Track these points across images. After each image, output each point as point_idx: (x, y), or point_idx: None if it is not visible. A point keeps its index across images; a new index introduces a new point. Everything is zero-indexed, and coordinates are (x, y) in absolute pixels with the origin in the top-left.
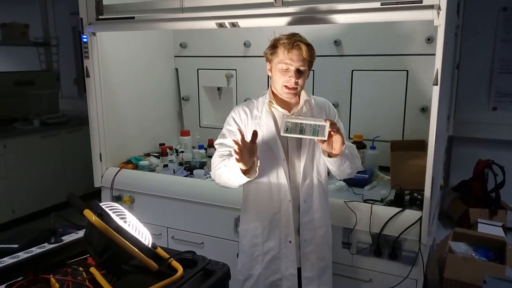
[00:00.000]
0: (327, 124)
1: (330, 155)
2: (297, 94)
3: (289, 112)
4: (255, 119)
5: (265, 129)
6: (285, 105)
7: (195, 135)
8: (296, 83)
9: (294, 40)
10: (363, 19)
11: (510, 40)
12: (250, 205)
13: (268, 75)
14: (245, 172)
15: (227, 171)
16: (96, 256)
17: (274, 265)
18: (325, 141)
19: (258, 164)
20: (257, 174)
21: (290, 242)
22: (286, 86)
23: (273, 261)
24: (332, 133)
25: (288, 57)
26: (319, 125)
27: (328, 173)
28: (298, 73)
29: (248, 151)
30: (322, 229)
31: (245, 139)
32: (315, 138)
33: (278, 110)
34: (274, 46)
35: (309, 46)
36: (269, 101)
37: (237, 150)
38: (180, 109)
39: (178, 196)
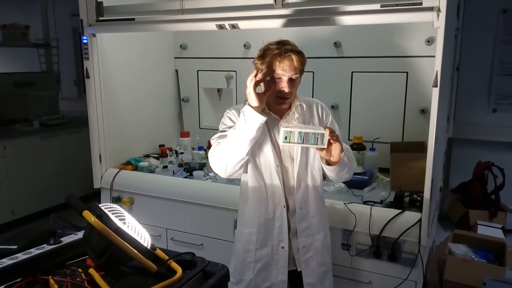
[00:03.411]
0: (327, 132)
1: (328, 163)
2: (290, 103)
3: (281, 118)
4: None
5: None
6: (277, 111)
7: (195, 136)
8: (289, 93)
9: (284, 50)
10: (363, 21)
11: (510, 42)
12: (245, 210)
13: None
14: (258, 110)
15: (233, 134)
16: (95, 258)
17: (265, 272)
18: (324, 149)
19: (264, 119)
20: (264, 120)
21: (282, 248)
22: (279, 97)
23: (265, 269)
24: (331, 141)
25: (280, 68)
26: (318, 133)
27: (325, 177)
28: (290, 82)
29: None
30: (321, 234)
31: None
32: (315, 146)
33: (271, 115)
34: (263, 56)
35: (299, 54)
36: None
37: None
38: (180, 110)
39: (177, 198)
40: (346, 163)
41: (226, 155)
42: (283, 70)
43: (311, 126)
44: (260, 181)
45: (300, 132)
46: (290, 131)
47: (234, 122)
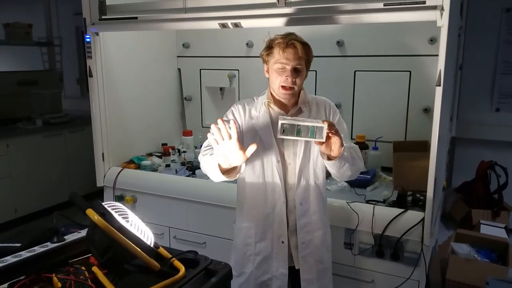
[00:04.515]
0: (325, 125)
1: (329, 158)
2: (295, 95)
3: (287, 113)
4: (252, 119)
5: (262, 130)
6: (283, 106)
7: (198, 135)
8: (294, 83)
9: (289, 39)
10: (366, 19)
11: None
12: (244, 204)
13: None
14: (223, 171)
15: (209, 161)
16: (98, 256)
17: (265, 265)
18: (323, 143)
19: (241, 171)
20: (236, 177)
21: (282, 242)
22: (283, 87)
23: (265, 261)
24: (330, 134)
25: (284, 56)
26: (316, 127)
27: (328, 175)
28: (295, 72)
29: (230, 149)
30: (320, 231)
31: (240, 135)
32: (313, 140)
33: (276, 111)
34: (269, 47)
35: (304, 45)
36: (267, 101)
37: (222, 135)
38: (183, 109)
39: (180, 196)
40: (347, 157)
41: (205, 172)
42: (287, 59)
43: (310, 119)
44: (261, 176)
45: (298, 125)
46: (288, 124)
47: (236, 118)
